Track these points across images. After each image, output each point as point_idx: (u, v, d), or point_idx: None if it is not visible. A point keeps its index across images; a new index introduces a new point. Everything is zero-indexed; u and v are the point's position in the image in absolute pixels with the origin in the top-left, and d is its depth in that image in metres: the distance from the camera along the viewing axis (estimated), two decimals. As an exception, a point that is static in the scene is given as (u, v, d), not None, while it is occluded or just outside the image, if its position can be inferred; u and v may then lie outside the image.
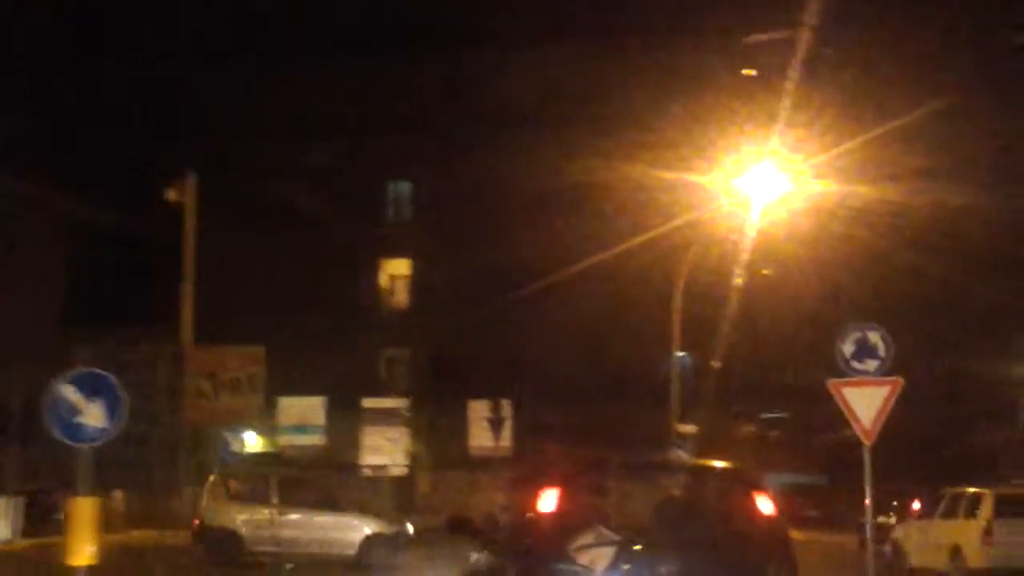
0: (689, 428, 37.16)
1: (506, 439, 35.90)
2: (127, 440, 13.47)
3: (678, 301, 37.53)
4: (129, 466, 11.87)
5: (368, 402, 34.62)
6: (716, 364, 33.87)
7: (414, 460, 36.48)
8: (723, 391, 40.16)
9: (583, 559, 9.05)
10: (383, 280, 48.57)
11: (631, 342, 45.18)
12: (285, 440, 34.31)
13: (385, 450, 34.09)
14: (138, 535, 25.95)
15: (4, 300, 38.15)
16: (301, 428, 34.07)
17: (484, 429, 35.88)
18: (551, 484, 9.73)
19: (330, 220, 44.95)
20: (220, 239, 39.77)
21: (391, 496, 34.67)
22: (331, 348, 41.50)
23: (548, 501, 9.62)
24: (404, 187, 48.61)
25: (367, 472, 34.17)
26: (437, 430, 39.88)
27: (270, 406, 34.22)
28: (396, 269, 48.79)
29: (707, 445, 33.71)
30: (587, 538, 9.11)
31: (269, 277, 42.43)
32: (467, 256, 44.79)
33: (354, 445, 34.38)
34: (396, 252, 48.52)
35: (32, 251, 39.27)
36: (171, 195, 26.79)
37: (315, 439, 34.25)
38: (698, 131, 34.64)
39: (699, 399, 38.90)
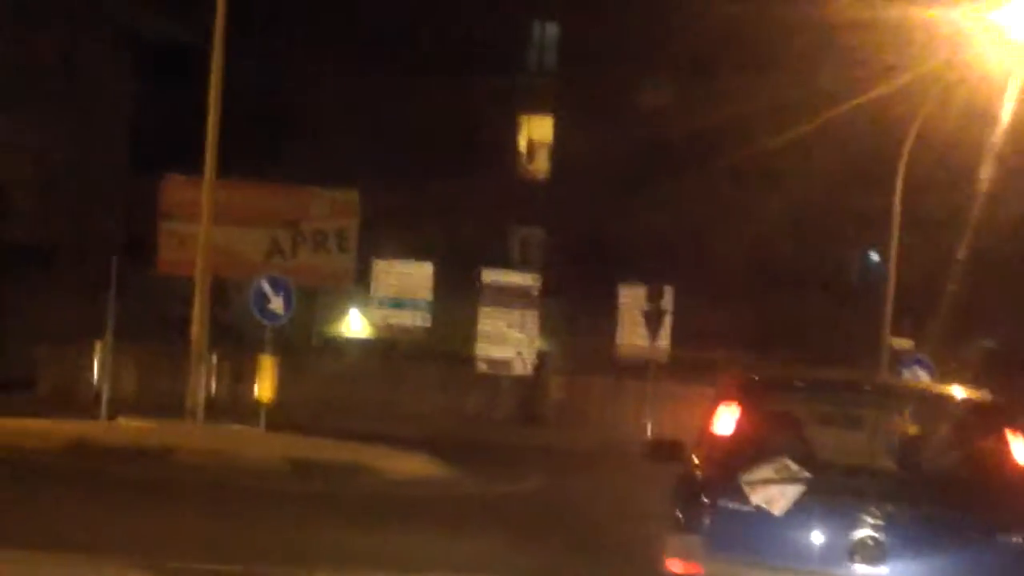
0: (904, 343, 28.64)
1: (664, 339, 27.69)
2: None
3: (901, 175, 28.79)
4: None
5: (490, 275, 26.52)
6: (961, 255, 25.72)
7: (545, 359, 28.32)
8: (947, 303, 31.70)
9: (757, 496, 7.20)
10: (520, 142, 40.40)
11: (819, 233, 36.97)
12: (378, 316, 26.39)
13: (508, 340, 26.07)
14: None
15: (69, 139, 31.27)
16: (399, 302, 26.11)
17: (637, 324, 27.72)
18: (730, 400, 7.74)
19: (457, 60, 37.16)
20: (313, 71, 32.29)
21: (514, 397, 26.60)
22: (448, 216, 33.55)
23: (725, 421, 7.64)
24: (551, 29, 39.96)
25: (483, 367, 26.19)
26: (575, 325, 31.74)
27: (363, 272, 26.26)
28: (536, 130, 40.58)
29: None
30: (766, 471, 7.27)
31: (374, 121, 34.52)
32: (624, 118, 36.57)
33: (468, 333, 26.41)
34: (536, 108, 40.27)
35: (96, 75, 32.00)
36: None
37: (418, 318, 26.31)
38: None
39: (915, 309, 30.35)
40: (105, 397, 18.30)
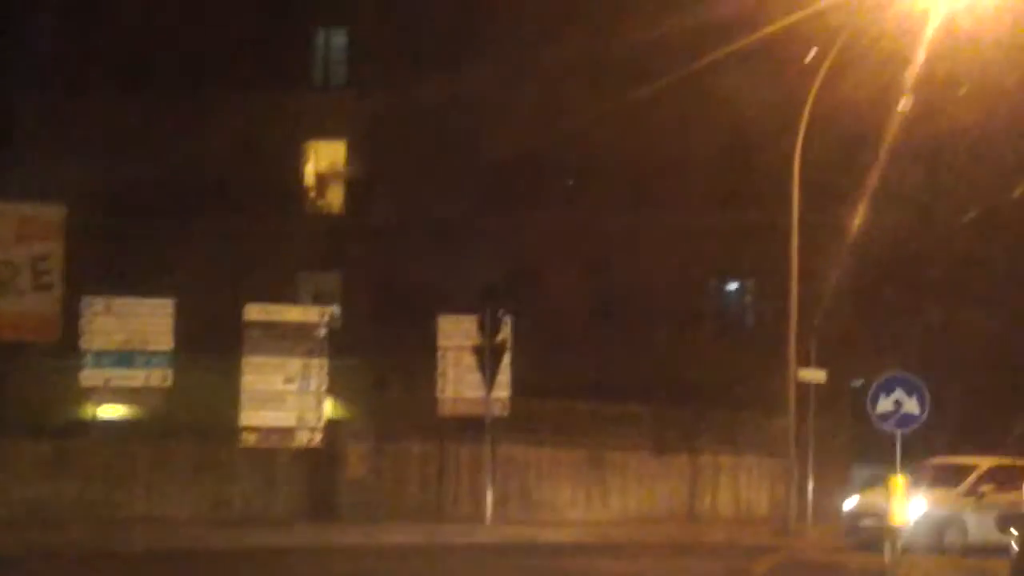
0: (817, 375, 22.60)
1: (503, 385, 20.74)
2: None
3: (796, 179, 23.02)
4: None
5: (255, 311, 19.18)
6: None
7: (340, 425, 21.26)
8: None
9: None
10: (306, 173, 33.94)
11: (671, 260, 31.42)
12: (95, 376, 18.81)
13: (287, 401, 18.82)
14: None
15: None
16: (127, 357, 18.64)
17: (465, 368, 20.73)
18: None
19: (227, 74, 31.10)
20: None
21: (298, 481, 19.30)
22: (211, 254, 26.55)
23: None
24: (338, 36, 33.26)
25: (250, 440, 18.83)
26: (379, 380, 24.87)
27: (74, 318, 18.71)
28: (325, 158, 34.10)
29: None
30: None
31: (101, 141, 27.52)
32: (431, 135, 30.89)
33: (229, 394, 19.10)
34: (325, 132, 33.88)
35: None
36: None
37: (156, 377, 18.84)
38: None
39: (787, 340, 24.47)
40: None
